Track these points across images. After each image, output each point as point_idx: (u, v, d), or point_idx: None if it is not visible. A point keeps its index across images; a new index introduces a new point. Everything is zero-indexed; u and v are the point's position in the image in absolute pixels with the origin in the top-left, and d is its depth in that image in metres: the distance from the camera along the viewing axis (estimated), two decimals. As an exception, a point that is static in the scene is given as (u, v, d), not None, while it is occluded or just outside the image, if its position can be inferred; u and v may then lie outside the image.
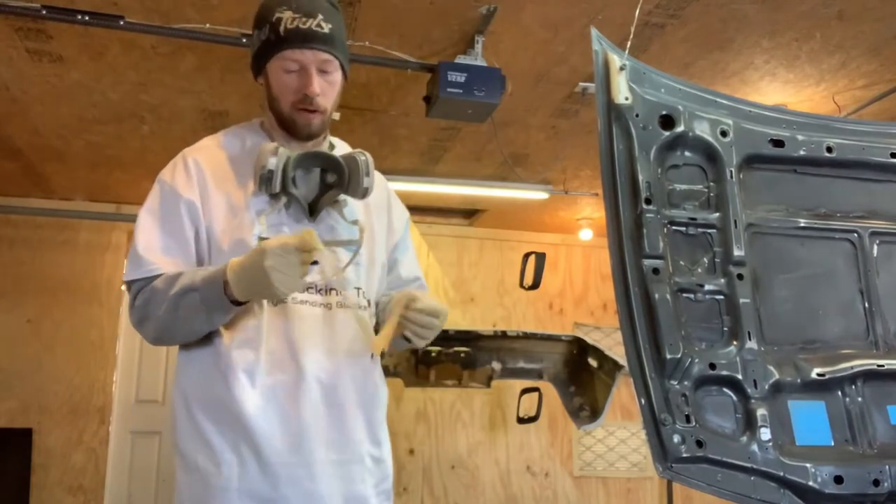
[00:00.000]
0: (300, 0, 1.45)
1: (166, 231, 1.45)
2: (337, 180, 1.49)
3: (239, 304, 1.35)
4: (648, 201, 1.56)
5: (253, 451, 1.38)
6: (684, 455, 1.45)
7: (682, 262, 1.60)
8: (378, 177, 1.64)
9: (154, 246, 1.43)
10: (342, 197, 1.50)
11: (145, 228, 1.45)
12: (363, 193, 1.48)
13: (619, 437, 5.91)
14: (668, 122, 1.63)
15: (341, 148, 1.64)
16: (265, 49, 1.47)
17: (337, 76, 1.51)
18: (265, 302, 1.42)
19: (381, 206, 1.64)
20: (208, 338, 1.44)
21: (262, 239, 1.42)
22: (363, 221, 1.53)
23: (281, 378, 1.41)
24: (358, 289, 1.52)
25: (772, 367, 1.56)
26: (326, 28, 1.45)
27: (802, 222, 1.71)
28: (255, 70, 1.54)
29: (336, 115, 1.56)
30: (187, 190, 1.46)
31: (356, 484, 1.45)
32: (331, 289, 1.47)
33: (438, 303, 1.47)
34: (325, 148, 1.58)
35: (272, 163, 1.40)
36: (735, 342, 1.57)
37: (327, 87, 1.49)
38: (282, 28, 1.43)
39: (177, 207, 1.45)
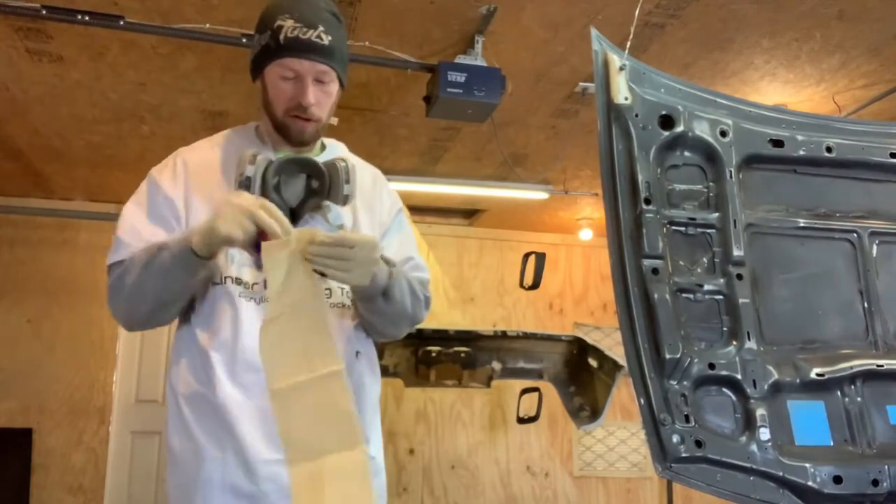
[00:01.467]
0: (303, 9, 1.46)
1: (150, 220, 1.48)
2: (319, 186, 1.49)
3: (201, 258, 1.35)
4: (648, 201, 1.57)
5: (234, 447, 1.40)
6: (683, 455, 1.45)
7: (681, 262, 1.60)
8: (368, 172, 1.65)
9: (136, 231, 1.46)
10: (326, 203, 1.51)
11: (129, 217, 1.49)
12: (344, 200, 1.49)
13: (619, 437, 5.91)
14: (667, 122, 1.63)
15: (336, 150, 1.64)
16: (264, 54, 1.48)
17: (333, 87, 1.52)
18: (243, 300, 1.43)
19: (371, 202, 1.63)
20: (192, 337, 1.46)
21: None
22: (349, 225, 1.54)
23: (262, 376, 1.41)
24: (342, 288, 1.52)
25: (771, 367, 1.56)
26: (326, 40, 1.46)
27: (802, 222, 1.71)
28: (254, 73, 1.55)
29: (334, 121, 1.57)
30: (171, 188, 1.49)
31: None
32: None
33: (355, 233, 1.46)
34: (315, 152, 1.58)
35: (250, 170, 1.41)
36: (734, 342, 1.57)
37: (322, 97, 1.50)
38: (282, 36, 1.44)
39: (160, 202, 1.49)
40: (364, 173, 1.63)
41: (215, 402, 1.40)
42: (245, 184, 1.41)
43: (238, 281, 1.45)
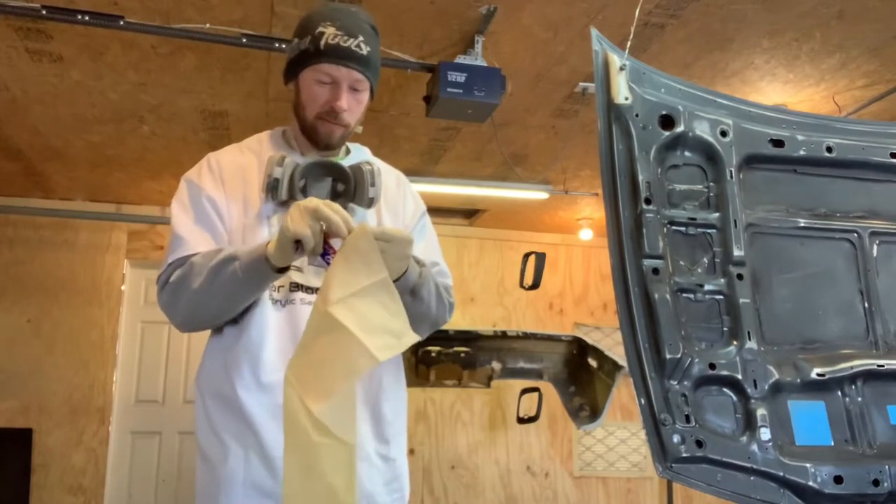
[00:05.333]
0: (344, 19, 1.51)
1: (198, 221, 1.50)
2: (344, 189, 1.51)
3: (278, 271, 1.36)
4: (648, 201, 1.56)
5: (256, 444, 1.42)
6: (684, 455, 1.45)
7: (682, 262, 1.60)
8: (392, 175, 1.68)
9: (191, 230, 1.48)
10: (351, 205, 1.53)
11: (180, 218, 1.51)
12: (368, 203, 1.52)
13: (619, 437, 5.91)
14: (668, 122, 1.63)
15: (360, 154, 1.66)
16: (302, 58, 1.51)
17: (365, 96, 1.56)
18: (269, 303, 1.46)
19: (395, 205, 1.65)
20: (221, 338, 1.49)
21: None
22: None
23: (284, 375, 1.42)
24: None
25: (772, 367, 1.56)
26: (364, 50, 1.51)
27: (802, 222, 1.71)
28: (288, 76, 1.58)
29: (359, 129, 1.60)
30: (211, 187, 1.52)
31: (362, 480, 1.46)
32: None
33: (392, 228, 1.42)
34: (341, 156, 1.61)
35: (278, 172, 1.45)
36: (735, 342, 1.56)
37: (354, 105, 1.54)
38: (323, 42, 1.48)
39: (203, 202, 1.51)
40: (388, 177, 1.65)
41: (236, 400, 1.42)
42: (273, 185, 1.45)
43: None
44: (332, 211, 1.28)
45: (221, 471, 1.43)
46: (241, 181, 1.53)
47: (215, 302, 1.41)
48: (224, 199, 1.51)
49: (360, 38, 1.50)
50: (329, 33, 1.48)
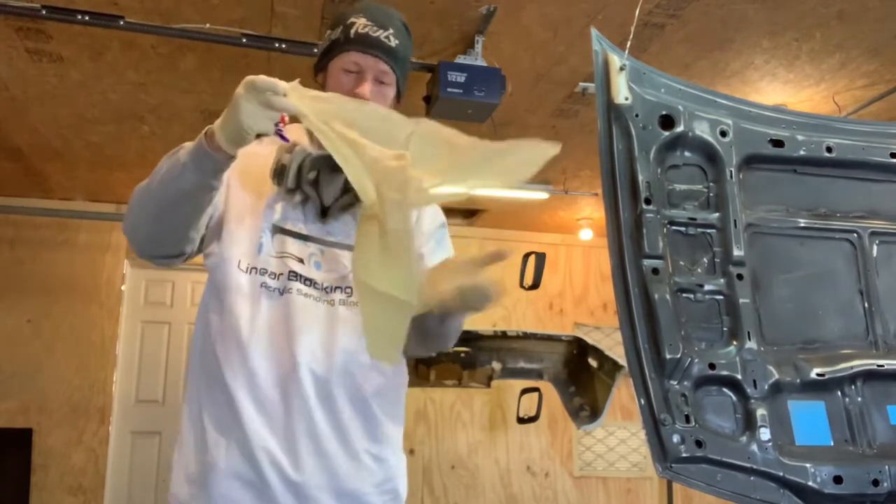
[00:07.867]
0: (376, 13, 1.51)
1: None
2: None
3: (223, 155, 1.30)
4: (648, 201, 1.57)
5: (238, 434, 1.40)
6: (684, 455, 1.45)
7: (681, 262, 1.60)
8: None
9: None
10: (359, 202, 1.51)
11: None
12: None
13: (619, 437, 5.91)
14: (667, 122, 1.63)
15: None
16: (332, 47, 1.52)
17: (391, 91, 1.54)
18: (265, 290, 1.43)
19: None
20: (209, 325, 1.46)
21: (275, 227, 1.46)
22: None
23: (272, 366, 1.42)
24: None
25: (771, 367, 1.56)
26: (394, 42, 1.50)
27: (802, 222, 1.71)
28: (318, 66, 1.57)
29: None
30: None
31: (350, 480, 1.44)
32: (335, 287, 1.48)
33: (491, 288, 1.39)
34: None
35: (286, 158, 1.44)
36: (735, 342, 1.57)
37: (379, 97, 1.51)
38: (352, 31, 1.48)
39: None
40: None
41: (222, 388, 1.41)
42: (279, 171, 1.44)
43: (263, 271, 1.44)
44: (272, 88, 1.23)
45: (202, 457, 1.41)
46: (253, 167, 1.51)
47: (161, 197, 1.36)
48: (225, 187, 1.47)
49: (391, 31, 1.49)
50: (359, 24, 1.48)
